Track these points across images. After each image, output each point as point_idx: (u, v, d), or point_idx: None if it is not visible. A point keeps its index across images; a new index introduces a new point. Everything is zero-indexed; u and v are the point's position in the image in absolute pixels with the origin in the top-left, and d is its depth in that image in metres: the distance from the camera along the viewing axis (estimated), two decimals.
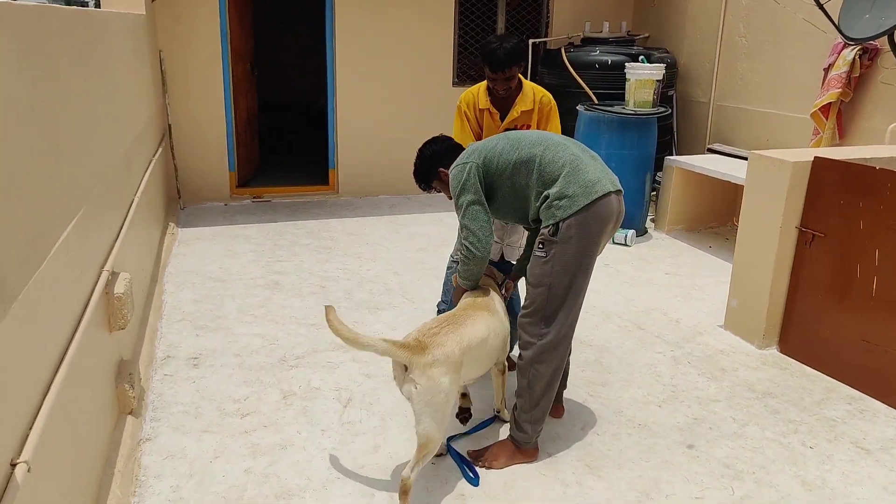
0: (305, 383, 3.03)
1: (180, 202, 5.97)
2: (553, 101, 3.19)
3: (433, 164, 2.70)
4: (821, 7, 4.58)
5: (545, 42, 6.86)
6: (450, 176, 2.54)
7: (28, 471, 1.42)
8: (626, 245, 5.24)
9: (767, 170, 3.52)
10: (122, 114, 3.36)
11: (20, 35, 1.70)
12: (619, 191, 2.49)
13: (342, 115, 6.41)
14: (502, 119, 3.14)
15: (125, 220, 3.10)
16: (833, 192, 3.28)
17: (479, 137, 3.16)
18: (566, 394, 3.00)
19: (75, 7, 2.50)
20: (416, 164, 2.77)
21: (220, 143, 6.17)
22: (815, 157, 3.38)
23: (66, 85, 2.17)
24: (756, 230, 3.59)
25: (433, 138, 2.80)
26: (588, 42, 6.41)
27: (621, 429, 2.78)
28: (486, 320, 2.45)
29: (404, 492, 2.15)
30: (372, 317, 3.81)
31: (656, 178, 5.75)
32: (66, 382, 1.80)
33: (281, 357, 3.27)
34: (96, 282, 2.31)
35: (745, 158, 5.47)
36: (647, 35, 6.83)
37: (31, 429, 1.56)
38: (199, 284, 4.18)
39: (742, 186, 4.98)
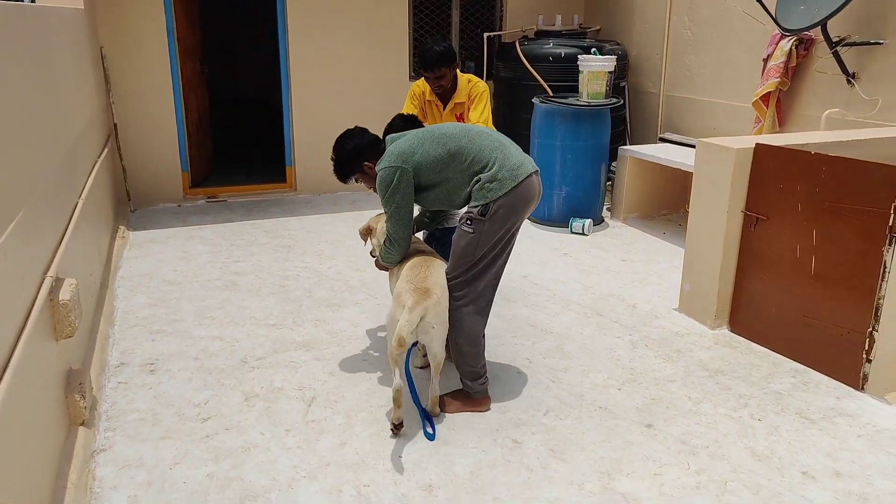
0: (268, 384, 2.99)
1: (130, 204, 5.80)
2: (484, 88, 3.54)
3: (356, 157, 2.83)
4: (759, 0, 4.75)
5: (500, 35, 6.90)
6: (378, 175, 2.71)
7: None
8: (583, 234, 5.33)
9: (713, 157, 3.63)
10: (63, 112, 3.24)
11: None
12: (537, 170, 2.78)
13: (297, 111, 6.32)
14: (444, 109, 3.60)
15: (69, 223, 2.99)
16: (773, 176, 3.41)
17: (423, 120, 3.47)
18: (529, 379, 3.05)
19: (7, 1, 2.38)
20: (335, 158, 2.88)
21: (171, 143, 6.01)
22: (757, 144, 3.51)
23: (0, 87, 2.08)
24: (705, 215, 3.70)
25: (350, 131, 2.89)
26: (541, 35, 6.47)
27: (583, 412, 2.83)
28: (441, 263, 2.79)
29: (435, 404, 2.74)
30: (334, 314, 3.78)
31: (611, 168, 5.86)
32: (8, 395, 1.73)
33: (242, 359, 3.22)
34: (39, 288, 2.22)
35: (695, 147, 5.67)
36: (598, 28, 6.94)
37: None
38: (153, 288, 4.07)
39: (692, 174, 5.15)
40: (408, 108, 3.58)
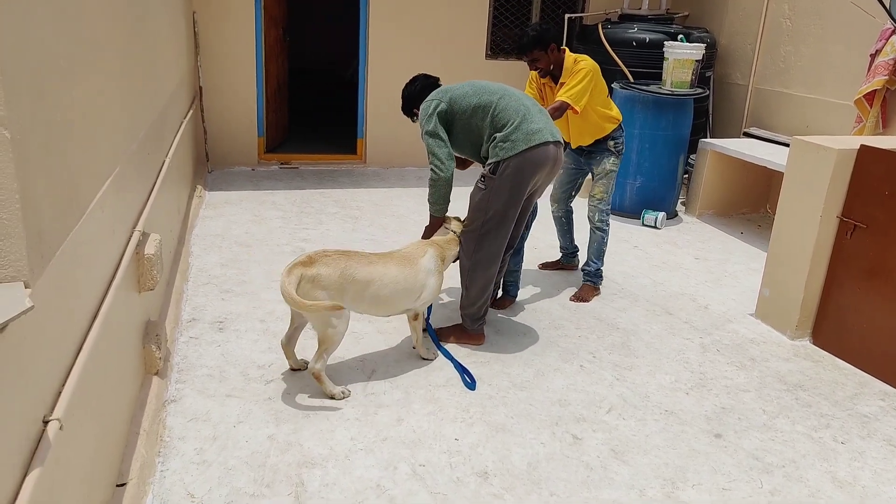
0: None
1: (208, 165, 5.97)
2: (583, 66, 3.55)
3: (410, 103, 3.22)
4: None
5: (581, 17, 6.67)
6: (420, 108, 3.08)
7: (60, 428, 1.42)
8: (655, 227, 5.13)
9: (810, 156, 3.40)
10: (159, 73, 3.34)
11: None
12: (559, 142, 3.00)
13: (372, 84, 6.33)
14: (556, 91, 3.64)
15: (156, 180, 3.08)
16: (878, 182, 3.15)
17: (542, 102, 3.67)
18: (592, 374, 2.97)
19: None
20: (403, 93, 3.27)
21: (250, 108, 6.14)
22: (861, 146, 3.25)
23: (104, 40, 2.13)
24: (794, 218, 3.48)
25: (412, 79, 3.26)
26: (625, 18, 6.21)
27: (647, 414, 2.74)
28: (384, 268, 2.75)
29: (317, 378, 2.64)
30: None
31: (689, 160, 5.61)
32: (97, 342, 1.80)
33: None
34: (128, 242, 2.30)
35: (784, 144, 5.34)
36: (686, 13, 6.61)
37: (63, 386, 1.56)
38: (225, 248, 4.18)
39: (778, 173, 4.86)
40: (528, 91, 3.73)
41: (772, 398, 2.91)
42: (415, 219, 5.04)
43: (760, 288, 3.70)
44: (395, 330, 3.28)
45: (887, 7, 4.39)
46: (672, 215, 5.39)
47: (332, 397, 2.65)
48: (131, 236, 2.34)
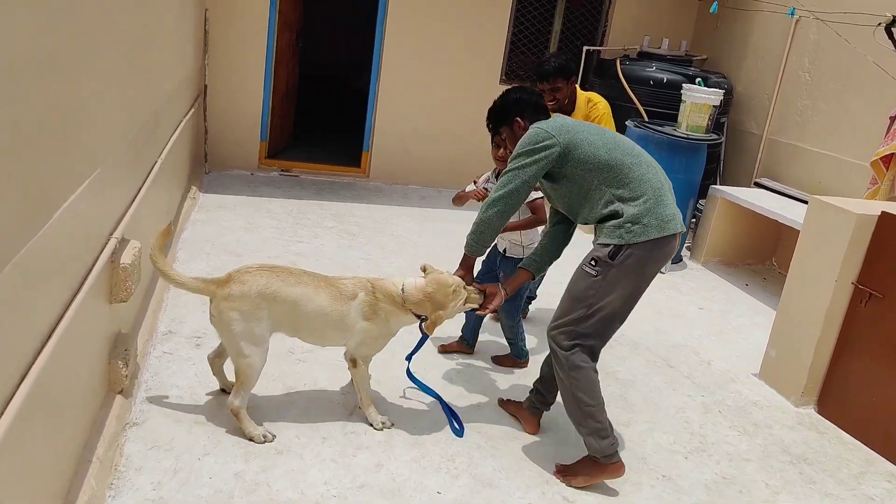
0: (312, 381, 2.84)
1: (206, 166, 5.81)
2: (605, 110, 3.37)
3: (515, 109, 2.58)
4: None
5: (599, 51, 6.59)
6: (528, 130, 2.42)
7: None
8: (661, 272, 4.98)
9: (828, 218, 3.27)
10: (157, 71, 3.18)
11: None
12: (684, 231, 2.47)
13: (383, 98, 6.20)
14: None
15: (145, 182, 2.92)
16: None
17: None
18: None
19: None
20: (498, 101, 2.67)
21: (254, 111, 6.00)
22: (883, 213, 3.13)
23: (92, 33, 1.97)
24: (807, 280, 3.34)
25: (523, 87, 2.72)
26: (644, 56, 6.14)
27: (643, 478, 2.56)
28: (312, 288, 2.42)
29: (236, 415, 2.37)
30: None
31: (698, 205, 5.48)
32: (53, 355, 1.62)
33: (288, 348, 3.08)
34: (102, 249, 2.12)
35: (795, 198, 5.24)
36: (705, 57, 6.55)
37: (8, 404, 1.37)
38: (213, 256, 4.00)
39: (787, 227, 4.74)
40: None
41: (775, 470, 2.74)
42: (414, 240, 4.88)
43: (767, 348, 3.55)
44: (383, 363, 3.09)
45: None
46: (677, 260, 5.25)
47: (251, 439, 2.35)
48: (107, 243, 2.16)
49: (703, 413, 3.12)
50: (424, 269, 2.58)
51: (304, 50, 7.29)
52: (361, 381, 2.59)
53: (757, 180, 5.71)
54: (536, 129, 2.39)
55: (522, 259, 2.80)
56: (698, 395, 3.28)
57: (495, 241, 3.01)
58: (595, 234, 2.41)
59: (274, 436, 2.41)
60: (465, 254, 2.53)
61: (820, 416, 3.25)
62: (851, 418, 3.14)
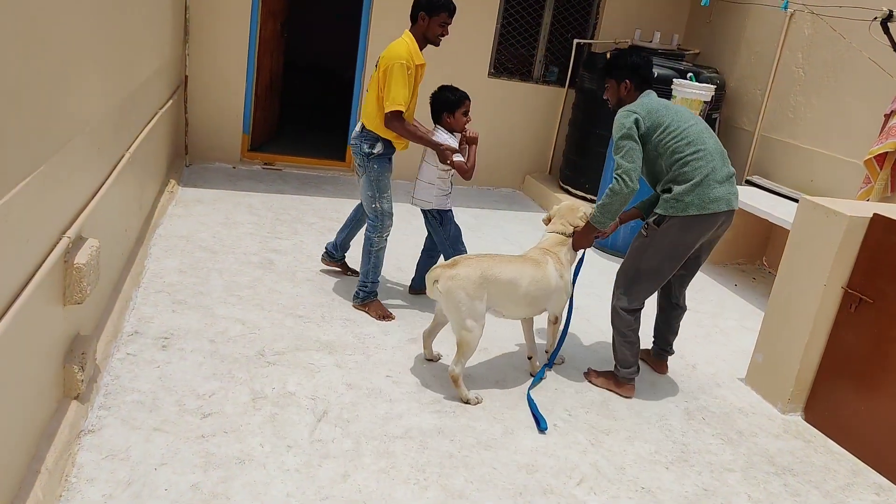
0: (280, 385, 2.74)
1: (187, 159, 5.68)
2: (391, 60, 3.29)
3: (629, 72, 3.01)
4: None
5: (590, 44, 6.48)
6: (616, 117, 2.93)
7: None
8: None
9: (819, 219, 3.17)
10: (123, 60, 3.04)
11: None
12: (733, 210, 3.00)
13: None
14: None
15: (109, 176, 2.79)
16: (890, 255, 2.93)
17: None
18: (566, 436, 2.70)
19: None
20: (617, 53, 3.19)
21: (237, 103, 5.85)
22: (875, 214, 3.03)
23: (37, 21, 1.85)
24: (796, 283, 3.25)
25: (645, 55, 3.11)
26: (636, 50, 6.02)
27: (622, 490, 2.47)
28: (520, 266, 2.91)
29: (455, 381, 2.80)
30: (365, 317, 3.50)
31: None
32: None
33: (259, 350, 2.98)
34: (51, 249, 2.00)
35: (787, 197, 5.14)
36: (697, 51, 6.44)
37: None
38: (187, 253, 3.89)
39: (778, 227, 4.65)
40: (407, 85, 3.29)
41: (759, 482, 2.66)
42: (397, 237, 4.76)
43: (753, 352, 3.47)
44: (357, 365, 3.00)
45: None
46: None
47: (466, 401, 2.79)
48: (57, 243, 2.05)
49: (687, 420, 3.03)
50: (549, 218, 3.25)
51: (291, 40, 7.15)
52: (557, 334, 3.17)
53: (748, 178, 5.61)
54: (623, 112, 2.92)
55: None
56: (682, 400, 3.20)
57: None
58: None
59: (482, 398, 2.85)
60: (590, 227, 3.07)
61: (807, 424, 3.17)
62: (839, 426, 3.07)
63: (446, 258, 3.48)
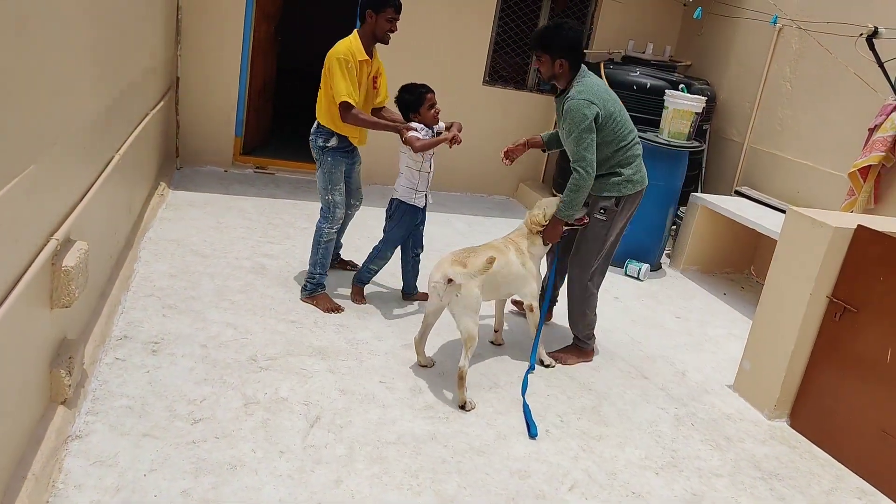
0: (272, 391, 2.72)
1: (178, 161, 5.65)
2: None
3: (565, 51, 3.10)
4: (881, 66, 4.27)
5: (584, 54, 6.52)
6: (575, 106, 3.04)
7: None
8: (638, 279, 4.93)
9: (805, 230, 3.22)
10: (114, 60, 3.02)
11: None
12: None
13: None
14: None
15: (98, 178, 2.77)
16: (873, 265, 2.98)
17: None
18: (558, 442, 2.71)
19: None
20: (550, 26, 3.20)
21: (229, 105, 5.83)
22: (859, 226, 3.08)
23: (27, 20, 1.83)
24: (783, 292, 3.29)
25: (576, 29, 3.18)
26: (629, 61, 6.08)
27: (612, 495, 2.48)
28: (504, 254, 3.10)
29: (462, 377, 2.84)
30: (359, 321, 3.50)
31: (678, 212, 5.44)
32: None
33: (251, 355, 2.96)
34: (39, 251, 1.98)
35: (774, 208, 5.21)
36: (689, 63, 6.51)
37: None
38: (178, 256, 3.86)
39: (766, 237, 4.71)
40: (349, 80, 3.42)
41: (745, 487, 2.68)
42: None
43: (741, 360, 3.50)
44: (350, 371, 2.99)
45: (892, 82, 4.29)
46: (656, 267, 5.20)
47: (462, 404, 2.84)
48: (45, 245, 2.03)
49: (676, 426, 3.05)
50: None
51: (285, 43, 7.14)
52: (533, 324, 3.30)
53: (737, 188, 5.68)
54: (582, 102, 3.03)
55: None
56: (672, 407, 3.22)
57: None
58: (594, 189, 3.20)
59: (475, 404, 2.88)
60: (557, 220, 3.23)
61: (792, 430, 3.21)
62: (823, 432, 3.10)
63: (375, 252, 3.73)
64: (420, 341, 3.12)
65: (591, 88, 3.07)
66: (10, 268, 1.79)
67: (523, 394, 3.02)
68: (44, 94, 2.01)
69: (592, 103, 3.01)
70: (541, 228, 3.24)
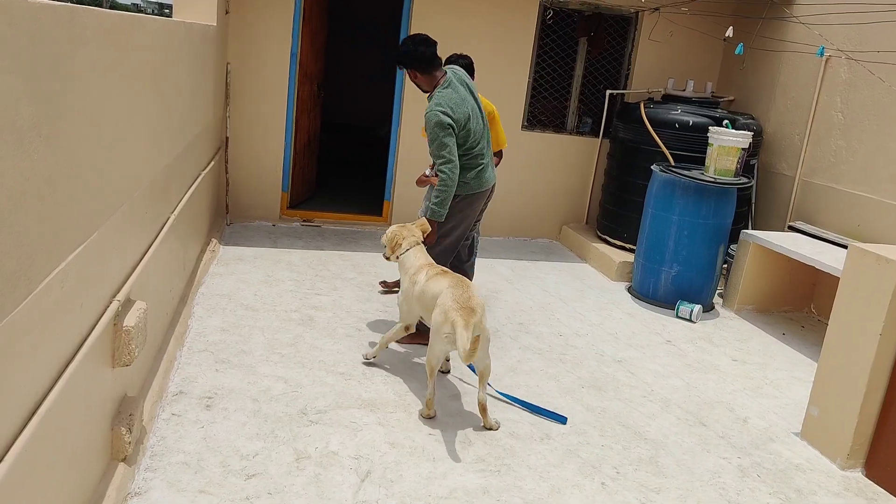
0: (323, 445, 2.72)
1: (227, 217, 5.85)
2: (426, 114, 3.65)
3: (410, 61, 3.52)
4: None
5: (623, 94, 6.54)
6: (430, 116, 3.42)
7: None
8: (690, 321, 4.79)
9: (869, 267, 3.08)
10: (168, 127, 3.19)
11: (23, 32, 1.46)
12: (494, 184, 3.86)
13: (404, 147, 6.22)
14: None
15: (155, 239, 2.89)
16: None
17: None
18: (615, 496, 2.60)
19: (115, 11, 2.30)
20: (404, 43, 3.58)
21: (276, 162, 6.06)
22: None
23: (85, 93, 1.94)
24: (850, 333, 3.13)
25: (426, 39, 3.51)
26: (669, 99, 6.05)
27: None
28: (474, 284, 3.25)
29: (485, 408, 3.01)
30: (407, 373, 3.49)
31: (729, 250, 5.29)
32: (43, 424, 1.55)
33: (301, 408, 2.98)
34: (102, 313, 2.07)
35: (833, 242, 5.01)
36: (732, 98, 6.44)
37: None
38: (229, 311, 3.96)
39: (826, 274, 4.52)
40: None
41: None
42: None
43: (808, 405, 3.32)
44: (399, 423, 2.97)
45: None
46: (708, 308, 5.04)
47: (490, 427, 3.00)
48: (108, 306, 2.12)
49: (741, 478, 2.90)
50: (394, 245, 3.48)
51: (328, 99, 7.42)
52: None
53: (791, 223, 5.50)
54: (438, 112, 3.43)
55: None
56: (734, 456, 3.06)
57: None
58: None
59: (499, 424, 3.05)
60: (432, 223, 3.59)
61: (868, 481, 3.00)
62: None
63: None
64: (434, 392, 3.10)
65: (446, 99, 3.44)
66: (77, 330, 1.87)
67: (517, 402, 3.22)
68: (110, 166, 2.13)
69: (444, 113, 3.39)
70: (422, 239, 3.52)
